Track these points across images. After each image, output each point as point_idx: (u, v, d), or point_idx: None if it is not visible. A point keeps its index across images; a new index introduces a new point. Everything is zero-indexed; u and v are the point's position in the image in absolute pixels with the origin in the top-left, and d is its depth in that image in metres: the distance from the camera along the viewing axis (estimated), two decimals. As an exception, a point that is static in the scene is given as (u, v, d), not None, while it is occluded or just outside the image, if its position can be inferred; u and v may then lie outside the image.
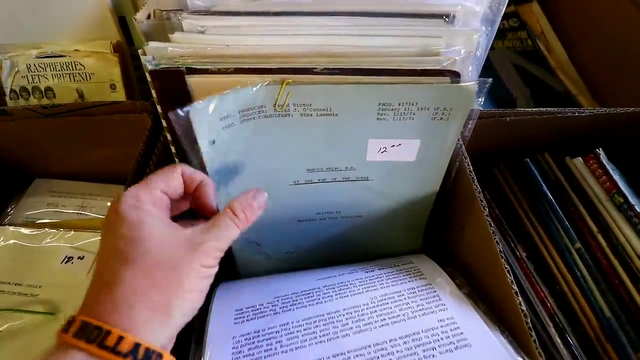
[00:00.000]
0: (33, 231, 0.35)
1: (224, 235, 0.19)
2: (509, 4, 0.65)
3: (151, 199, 0.19)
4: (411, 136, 0.26)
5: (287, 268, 0.34)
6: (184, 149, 0.22)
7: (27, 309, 0.30)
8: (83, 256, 0.32)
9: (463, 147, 0.31)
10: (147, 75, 0.23)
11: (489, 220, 0.26)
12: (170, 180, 0.20)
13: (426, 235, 0.38)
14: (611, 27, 0.52)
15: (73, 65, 0.41)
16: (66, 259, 0.32)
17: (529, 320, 0.22)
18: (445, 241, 0.36)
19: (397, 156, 0.27)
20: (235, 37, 0.24)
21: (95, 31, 0.42)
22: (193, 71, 0.22)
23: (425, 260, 0.31)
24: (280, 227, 0.33)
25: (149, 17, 0.30)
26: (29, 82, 0.41)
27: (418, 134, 0.26)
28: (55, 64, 0.41)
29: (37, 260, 0.32)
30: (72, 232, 0.34)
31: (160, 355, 0.16)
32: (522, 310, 0.23)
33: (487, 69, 0.56)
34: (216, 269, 0.19)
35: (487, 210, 0.27)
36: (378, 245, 0.36)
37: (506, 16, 0.64)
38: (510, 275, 0.24)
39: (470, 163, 0.30)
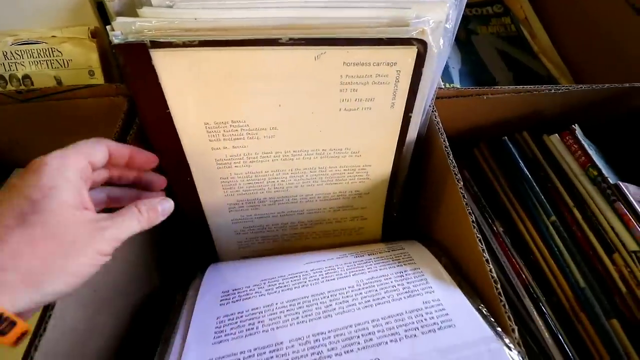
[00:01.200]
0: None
1: (126, 226, 0.20)
2: (493, -10, 0.66)
3: (77, 166, 0.19)
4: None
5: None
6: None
7: None
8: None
9: (440, 123, 0.31)
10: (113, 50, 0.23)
11: (462, 192, 0.27)
12: (97, 149, 0.21)
13: (408, 221, 0.38)
14: (592, 12, 0.53)
15: (50, 51, 0.41)
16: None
17: (498, 286, 0.23)
18: (425, 224, 0.36)
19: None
20: (204, 10, 0.24)
21: (73, 18, 0.42)
22: (157, 45, 0.22)
23: (416, 245, 0.32)
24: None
25: (122, -4, 0.30)
26: (5, 70, 0.41)
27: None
28: (32, 51, 0.41)
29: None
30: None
31: (12, 323, 0.16)
32: (492, 277, 0.23)
33: (471, 54, 0.56)
34: (108, 259, 0.19)
35: (461, 183, 0.27)
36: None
37: (490, 2, 0.64)
38: (481, 244, 0.24)
39: (446, 139, 0.30)
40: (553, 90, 0.35)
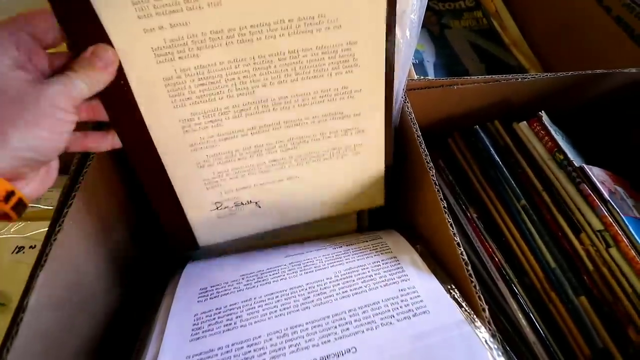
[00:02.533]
0: (-18, 224, 0.33)
1: (69, 82, 0.19)
2: (465, -15, 0.67)
3: (12, 38, 0.18)
4: None
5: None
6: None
7: (-23, 300, 0.29)
8: (35, 245, 0.31)
9: (412, 114, 0.32)
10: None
11: (434, 179, 0.27)
12: (39, 20, 0.19)
13: (389, 217, 0.38)
14: (559, 4, 0.54)
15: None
16: (17, 249, 0.31)
17: (469, 268, 0.23)
18: (405, 213, 0.37)
19: None
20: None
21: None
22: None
23: (393, 234, 0.32)
24: None
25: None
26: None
27: None
28: None
29: (-14, 252, 0.31)
30: (23, 223, 0.33)
31: None
32: (463, 259, 0.24)
33: (444, 47, 0.57)
34: (73, 116, 0.19)
35: (433, 171, 0.28)
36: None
37: (462, -3, 0.66)
38: (452, 228, 0.25)
39: (418, 129, 0.31)
40: (520, 79, 0.36)
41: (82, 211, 0.26)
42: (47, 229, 0.33)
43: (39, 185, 0.20)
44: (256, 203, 0.31)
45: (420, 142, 0.30)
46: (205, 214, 0.30)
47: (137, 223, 0.35)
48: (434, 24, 0.61)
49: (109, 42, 0.22)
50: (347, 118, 0.28)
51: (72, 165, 0.28)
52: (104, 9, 0.21)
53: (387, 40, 0.25)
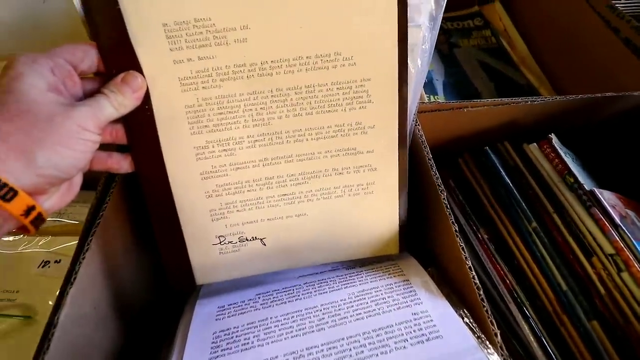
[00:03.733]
0: (10, 238, 0.35)
1: (98, 106, 0.21)
2: (473, 5, 0.69)
3: (49, 63, 0.20)
4: None
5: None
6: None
7: (4, 312, 0.30)
8: (60, 260, 0.33)
9: (423, 136, 0.33)
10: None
11: (445, 202, 0.28)
12: (76, 50, 0.21)
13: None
14: (567, 23, 0.55)
15: None
16: (43, 264, 0.32)
17: (481, 292, 0.24)
18: (416, 239, 0.37)
19: None
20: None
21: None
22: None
23: (406, 257, 0.33)
24: None
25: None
26: None
27: None
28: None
29: (14, 266, 0.33)
30: (49, 237, 0.34)
31: (14, 191, 0.17)
32: (475, 283, 0.24)
33: (453, 66, 0.58)
34: (97, 137, 0.21)
35: (444, 193, 0.29)
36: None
37: (471, 16, 0.67)
38: (464, 252, 0.26)
39: (429, 151, 0.32)
40: (529, 102, 0.37)
41: (109, 231, 0.27)
42: (71, 243, 0.35)
43: (59, 200, 0.21)
44: (262, 240, 0.30)
45: (431, 164, 0.31)
46: (207, 249, 0.29)
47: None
48: (443, 43, 0.62)
49: (139, 69, 0.23)
50: (360, 155, 0.28)
51: (98, 184, 0.29)
52: (140, 39, 0.23)
53: (399, 78, 0.25)
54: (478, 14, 0.67)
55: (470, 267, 0.25)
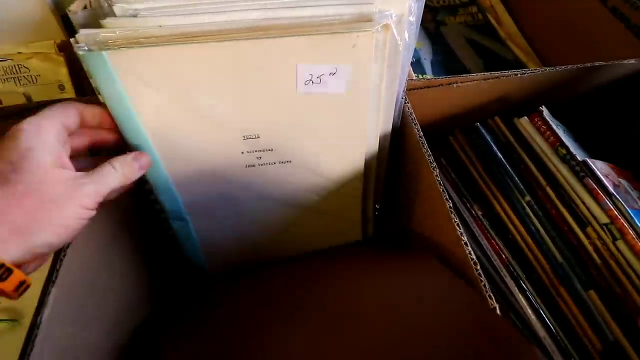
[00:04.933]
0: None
1: (104, 181, 0.21)
2: (459, -19, 0.67)
3: (53, 130, 0.20)
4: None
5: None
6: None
7: (-13, 318, 0.29)
8: (42, 259, 0.31)
9: (413, 114, 0.32)
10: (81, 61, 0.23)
11: (438, 179, 0.27)
12: (70, 113, 0.22)
13: (389, 218, 0.38)
14: (555, -3, 0.54)
15: (17, 68, 0.40)
16: (25, 264, 0.31)
17: (478, 267, 0.23)
18: (405, 218, 0.37)
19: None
20: (169, 17, 0.24)
21: (38, 32, 0.41)
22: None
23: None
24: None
25: (85, 7, 0.29)
26: (-29, 90, 0.40)
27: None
28: (-2, 69, 0.40)
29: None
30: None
31: (10, 270, 0.17)
32: (472, 259, 0.24)
33: (441, 44, 0.57)
34: (93, 213, 0.21)
35: (437, 170, 0.28)
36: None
37: (457, -7, 0.66)
38: (459, 228, 0.25)
39: (419, 128, 0.31)
40: (519, 75, 0.36)
41: (92, 223, 0.26)
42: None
43: (35, 265, 0.21)
44: None
45: (422, 142, 0.30)
46: None
47: (151, 235, 0.35)
48: (430, 21, 0.61)
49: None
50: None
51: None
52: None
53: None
54: (464, -10, 0.65)
55: (465, 243, 0.24)
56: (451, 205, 0.26)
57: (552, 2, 0.55)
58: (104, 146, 0.26)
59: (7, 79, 0.40)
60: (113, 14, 0.24)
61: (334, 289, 0.28)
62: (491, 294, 0.23)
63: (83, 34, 0.23)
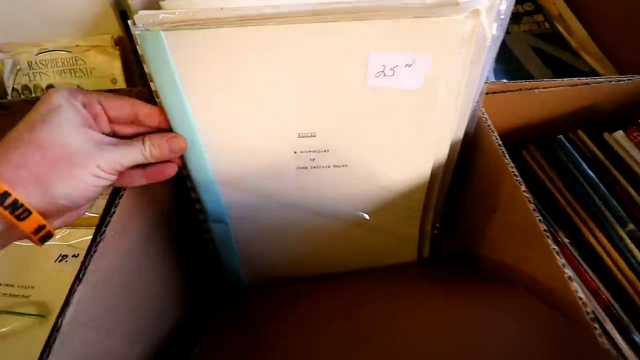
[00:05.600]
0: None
1: (128, 155, 0.22)
2: (522, -11, 0.63)
3: (85, 100, 0.21)
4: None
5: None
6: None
7: (18, 310, 0.28)
8: (78, 254, 0.30)
9: (488, 120, 0.28)
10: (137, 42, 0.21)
11: (527, 196, 0.23)
12: (113, 100, 0.22)
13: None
14: (629, 1, 0.49)
15: (74, 60, 0.40)
16: (60, 257, 0.30)
17: (589, 310, 0.19)
18: (469, 239, 0.32)
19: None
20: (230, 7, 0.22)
21: (97, 27, 0.41)
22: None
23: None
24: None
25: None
26: (30, 80, 0.40)
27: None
28: (57, 60, 0.40)
29: (30, 260, 0.30)
30: (68, 230, 0.32)
31: (28, 211, 0.18)
32: (580, 299, 0.19)
33: (504, 53, 0.53)
34: (113, 178, 0.21)
35: (524, 186, 0.24)
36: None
37: (520, 1, 0.61)
38: (560, 258, 0.20)
39: (498, 137, 0.27)
40: (614, 82, 0.31)
41: (127, 220, 0.24)
42: (91, 237, 0.32)
43: (66, 219, 0.22)
44: None
45: (503, 152, 0.26)
46: None
47: (178, 235, 0.33)
48: (490, 30, 0.57)
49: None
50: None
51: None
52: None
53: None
54: (529, -2, 0.61)
55: (570, 278, 0.20)
56: (546, 228, 0.21)
57: (627, 8, 0.49)
58: None
59: (64, 70, 0.40)
60: (173, -4, 0.23)
61: (391, 318, 0.24)
62: (610, 347, 0.18)
63: (142, 14, 0.21)
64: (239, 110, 0.24)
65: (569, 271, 0.20)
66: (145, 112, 0.23)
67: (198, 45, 0.21)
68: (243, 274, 0.35)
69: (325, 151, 0.27)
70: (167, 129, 0.24)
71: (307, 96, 0.24)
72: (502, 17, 0.24)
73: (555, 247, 0.21)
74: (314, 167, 0.27)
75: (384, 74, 0.22)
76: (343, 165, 0.27)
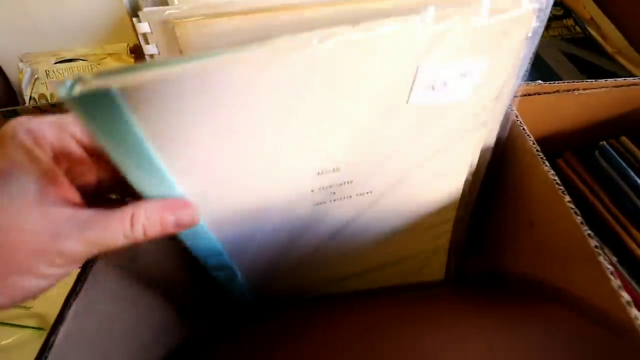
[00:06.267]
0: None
1: (106, 237, 0.15)
2: (550, -7, 0.60)
3: (55, 142, 0.15)
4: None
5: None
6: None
7: (19, 323, 0.27)
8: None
9: (523, 124, 0.25)
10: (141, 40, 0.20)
11: (573, 208, 0.20)
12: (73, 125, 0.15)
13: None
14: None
15: (90, 68, 0.40)
16: (64, 268, 0.29)
17: (654, 342, 0.15)
18: (497, 255, 0.29)
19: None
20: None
21: (114, 35, 0.42)
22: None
23: None
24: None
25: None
26: (47, 89, 0.41)
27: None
28: (73, 69, 0.40)
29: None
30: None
31: None
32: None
33: (534, 59, 0.50)
34: (77, 266, 0.16)
35: (568, 197, 0.21)
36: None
37: (548, 5, 0.58)
38: (615, 279, 0.17)
39: (536, 143, 0.24)
40: (666, 83, 0.28)
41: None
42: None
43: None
44: None
45: (542, 159, 0.23)
46: None
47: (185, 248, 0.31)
48: (516, 35, 0.54)
49: None
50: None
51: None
52: None
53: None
54: (557, 2, 0.58)
55: (629, 302, 0.17)
56: (597, 244, 0.19)
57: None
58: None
59: (80, 78, 0.40)
60: (183, -6, 0.22)
61: (418, 341, 0.21)
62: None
63: (147, 11, 0.20)
64: (238, 162, 0.18)
65: (626, 295, 0.17)
66: None
67: (174, 88, 0.14)
68: (251, 295, 0.32)
69: (348, 182, 0.22)
70: None
71: (330, 126, 0.18)
72: (543, 15, 0.21)
73: (609, 266, 0.18)
74: (334, 200, 0.23)
75: (433, 88, 0.18)
76: (367, 193, 0.23)
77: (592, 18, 0.55)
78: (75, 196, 0.15)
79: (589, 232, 0.19)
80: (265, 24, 0.19)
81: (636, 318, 0.16)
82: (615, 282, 0.17)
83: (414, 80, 0.17)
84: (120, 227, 0.15)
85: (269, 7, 0.19)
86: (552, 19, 0.56)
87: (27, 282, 0.14)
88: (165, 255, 0.28)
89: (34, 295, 0.15)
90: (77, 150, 0.16)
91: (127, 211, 0.15)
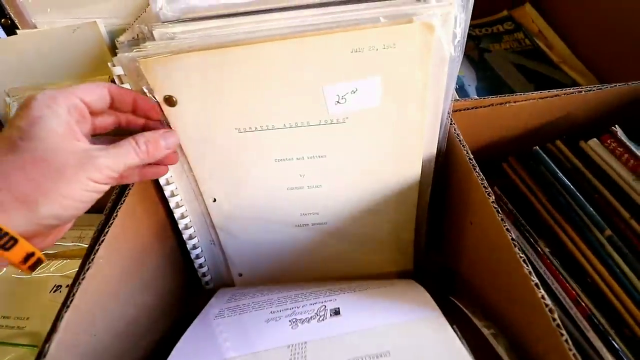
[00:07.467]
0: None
1: (121, 158, 0.20)
2: (501, 9, 0.65)
3: (66, 102, 0.19)
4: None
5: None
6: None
7: (13, 342, 0.28)
8: (71, 284, 0.31)
9: (460, 135, 0.29)
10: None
11: (495, 206, 0.24)
12: (93, 90, 0.21)
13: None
14: (609, 12, 0.50)
15: (73, 101, 0.43)
16: (55, 288, 0.31)
17: (556, 316, 0.19)
18: (449, 255, 0.32)
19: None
20: (204, 39, 0.24)
21: (95, 69, 0.44)
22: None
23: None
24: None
25: (133, 39, 0.31)
26: (32, 122, 0.43)
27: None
28: (57, 102, 0.43)
29: (26, 291, 0.31)
30: (63, 261, 0.33)
31: (14, 240, 0.17)
32: (547, 305, 0.19)
33: (487, 70, 0.54)
34: (106, 187, 0.20)
35: (493, 197, 0.24)
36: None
37: (500, 20, 0.63)
38: (527, 265, 0.21)
39: (469, 151, 0.28)
40: (583, 92, 0.32)
41: (114, 248, 0.25)
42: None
43: (52, 238, 0.20)
44: None
45: (473, 164, 0.27)
46: None
47: (171, 251, 0.34)
48: (472, 49, 0.59)
49: None
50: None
51: (108, 203, 0.27)
52: None
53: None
54: (508, 18, 0.63)
55: (536, 284, 0.20)
56: (513, 237, 0.22)
57: (606, 20, 0.51)
58: (131, 128, 0.24)
59: (64, 110, 0.43)
60: (153, 39, 0.25)
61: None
62: (576, 352, 0.18)
63: (121, 56, 0.23)
64: None
65: (535, 278, 0.20)
66: (120, 93, 0.22)
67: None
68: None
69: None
70: (144, 109, 0.24)
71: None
72: (458, 39, 0.25)
73: (522, 255, 0.21)
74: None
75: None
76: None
77: (540, 31, 0.61)
78: (88, 130, 0.21)
79: (507, 226, 0.22)
80: (222, 59, 0.23)
81: (543, 298, 0.20)
82: (527, 268, 0.21)
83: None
84: (131, 147, 0.21)
85: (224, 43, 0.23)
86: (504, 34, 0.61)
87: (74, 191, 0.18)
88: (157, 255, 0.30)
89: (77, 209, 0.19)
90: (84, 109, 0.21)
91: (130, 138, 0.21)
